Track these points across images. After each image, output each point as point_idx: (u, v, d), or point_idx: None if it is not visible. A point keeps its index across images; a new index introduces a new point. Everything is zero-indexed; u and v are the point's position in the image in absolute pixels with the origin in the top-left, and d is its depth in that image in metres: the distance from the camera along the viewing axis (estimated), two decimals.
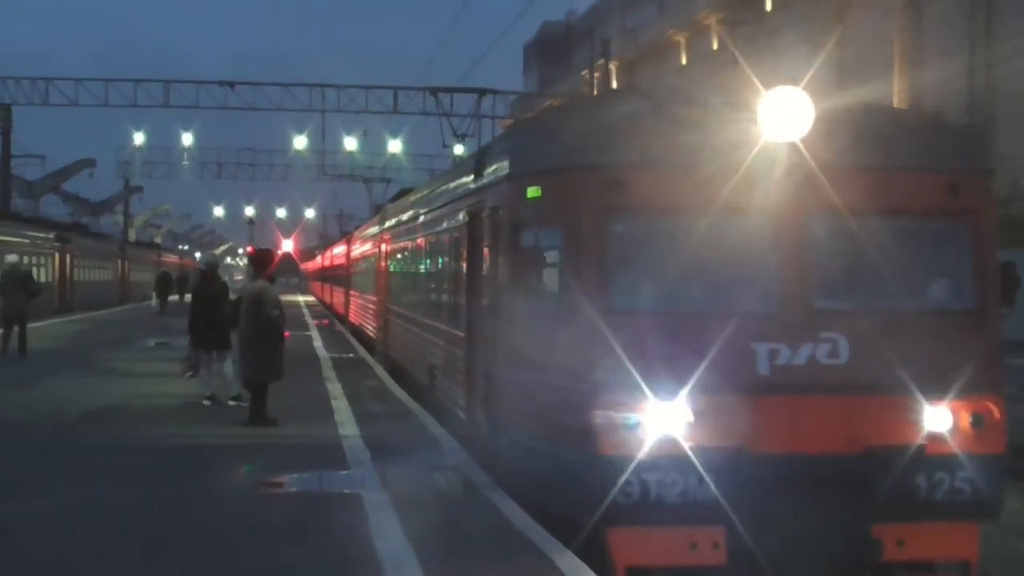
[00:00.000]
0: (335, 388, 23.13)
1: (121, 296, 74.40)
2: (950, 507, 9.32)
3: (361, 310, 42.64)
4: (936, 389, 9.33)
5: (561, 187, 10.57)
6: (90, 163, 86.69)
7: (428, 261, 21.39)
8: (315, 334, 42.07)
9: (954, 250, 10.36)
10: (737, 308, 9.90)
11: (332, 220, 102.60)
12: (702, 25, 69.21)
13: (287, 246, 45.28)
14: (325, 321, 54.00)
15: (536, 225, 11.07)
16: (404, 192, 35.99)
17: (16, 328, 25.56)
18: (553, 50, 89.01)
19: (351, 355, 33.16)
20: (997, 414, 9.45)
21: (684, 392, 9.17)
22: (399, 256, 28.05)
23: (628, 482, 8.96)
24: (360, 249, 45.39)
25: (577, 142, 10.67)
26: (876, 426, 9.41)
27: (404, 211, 27.69)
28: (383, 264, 31.16)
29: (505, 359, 11.62)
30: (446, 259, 18.18)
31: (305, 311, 61.70)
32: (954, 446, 9.31)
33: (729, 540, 8.94)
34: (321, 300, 77.62)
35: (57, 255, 57.35)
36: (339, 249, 59.99)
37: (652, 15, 78.52)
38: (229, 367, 20.48)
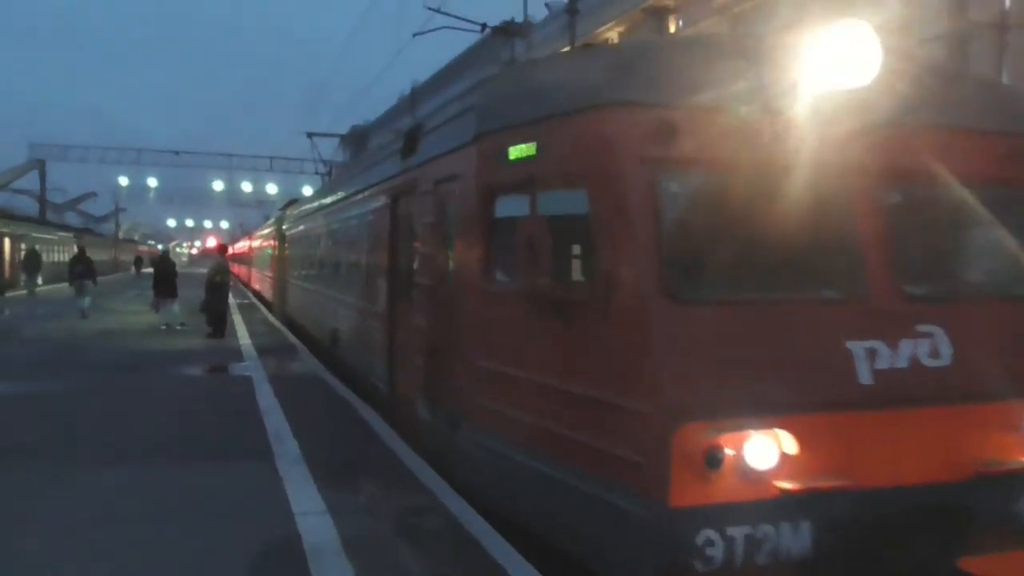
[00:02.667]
0: (238, 318, 22.12)
1: (114, 268, 70.19)
2: None
3: (260, 280, 35.25)
4: None
5: (580, 136, 4.75)
6: (93, 194, 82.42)
7: (331, 245, 13.67)
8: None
9: None
10: (822, 295, 4.59)
11: (238, 228, 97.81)
12: None
13: (211, 242, 43.13)
14: (232, 284, 52.17)
15: (529, 192, 5.10)
16: (292, 201, 26.91)
17: (89, 282, 22.37)
18: (358, 141, 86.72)
19: (248, 302, 31.63)
20: None
21: (776, 411, 4.12)
22: (298, 243, 19.67)
23: (708, 541, 3.98)
24: (259, 241, 37.26)
25: (606, 74, 4.76)
26: (984, 442, 4.47)
27: (301, 209, 20.24)
28: (281, 250, 23.56)
29: (479, 353, 5.63)
30: (355, 242, 11.01)
31: None
32: None
33: None
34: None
35: (75, 245, 54.27)
36: (242, 244, 55.88)
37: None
38: (176, 307, 19.19)
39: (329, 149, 36.35)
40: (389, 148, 9.83)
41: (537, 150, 5.15)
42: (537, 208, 5.11)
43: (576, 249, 5.32)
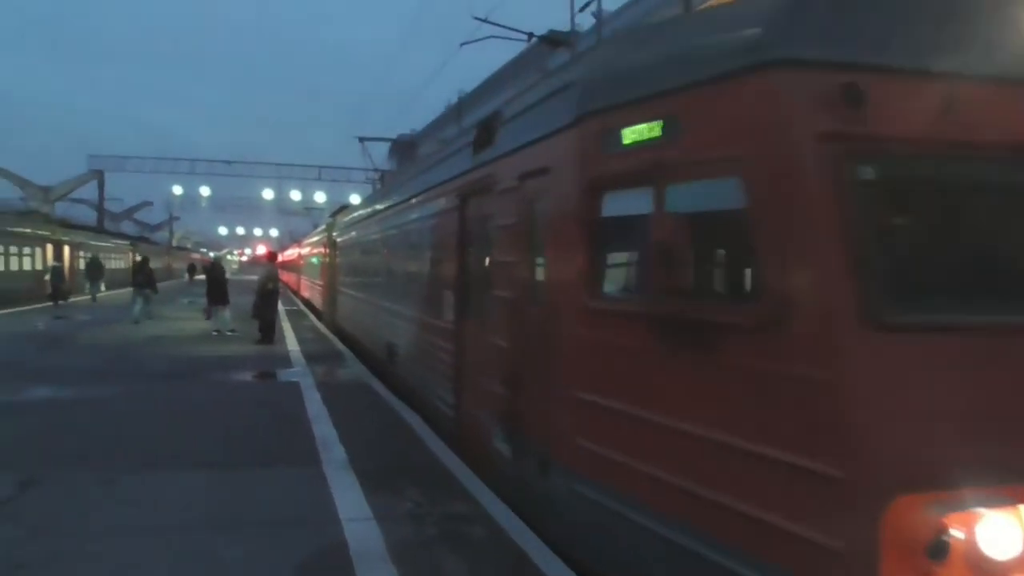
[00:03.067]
0: (287, 325, 22.42)
1: (168, 275, 72.07)
2: None
3: (309, 288, 33.85)
4: None
5: (732, 108, 3.60)
6: (149, 204, 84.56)
7: (387, 252, 12.48)
8: None
9: None
10: None
11: (286, 236, 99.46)
12: None
13: (260, 250, 44.30)
14: (280, 291, 52.86)
15: (652, 184, 3.99)
16: (344, 207, 25.62)
17: (148, 290, 24.21)
18: (405, 149, 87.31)
19: (295, 308, 32.04)
20: None
21: (1019, 479, 2.91)
22: (350, 250, 18.43)
23: None
24: (308, 248, 35.61)
25: (770, 26, 3.50)
26: None
27: (353, 215, 18.68)
28: (331, 258, 22.36)
29: (580, 382, 4.56)
30: (416, 249, 9.89)
31: None
32: None
33: None
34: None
35: (131, 252, 56.42)
36: (291, 251, 55.57)
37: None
38: (227, 313, 19.59)
39: (380, 155, 36.16)
40: (457, 143, 8.61)
41: (664, 130, 4.00)
42: (664, 203, 3.99)
43: (722, 256, 4.12)
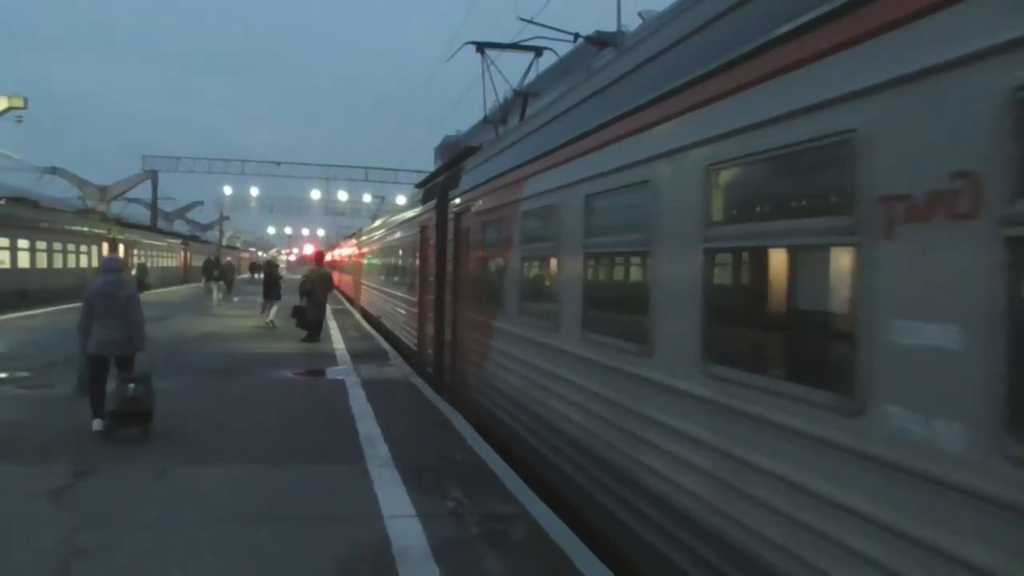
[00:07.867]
0: (333, 324, 22.71)
1: None
2: None
3: (382, 302, 21.68)
4: None
5: None
6: (200, 203, 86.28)
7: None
8: None
9: None
10: None
11: (334, 234, 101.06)
12: None
13: (308, 249, 44.88)
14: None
15: None
16: (468, 152, 13.13)
17: (223, 282, 32.64)
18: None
19: (341, 307, 32.43)
20: None
21: None
22: (490, 234, 8.84)
23: None
24: (380, 239, 23.83)
25: None
26: None
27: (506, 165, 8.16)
28: (451, 253, 11.42)
29: None
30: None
31: None
32: None
33: None
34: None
35: (182, 250, 58.27)
36: (348, 248, 45.15)
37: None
38: (275, 308, 20.82)
39: (508, 66, 34.04)
40: None
41: None
42: None
43: None
